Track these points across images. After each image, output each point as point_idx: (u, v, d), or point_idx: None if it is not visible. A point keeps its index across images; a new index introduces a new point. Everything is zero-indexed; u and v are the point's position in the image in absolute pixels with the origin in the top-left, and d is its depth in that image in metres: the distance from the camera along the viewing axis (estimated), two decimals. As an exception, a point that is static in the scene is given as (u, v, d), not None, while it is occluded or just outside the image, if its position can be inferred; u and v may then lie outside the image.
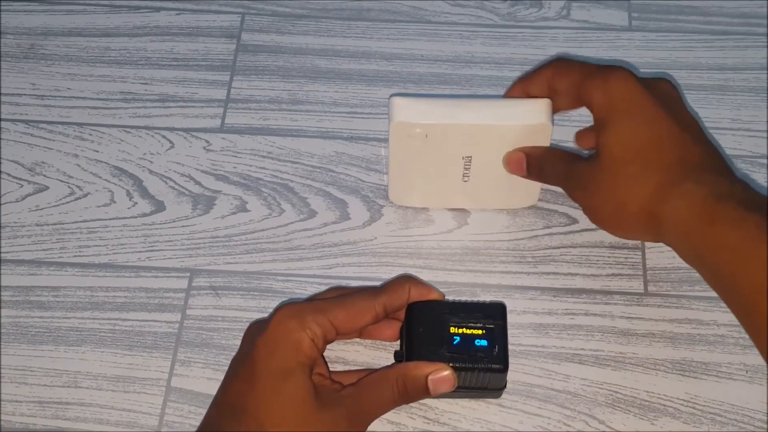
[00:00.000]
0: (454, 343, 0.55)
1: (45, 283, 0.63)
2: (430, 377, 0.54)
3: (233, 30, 0.76)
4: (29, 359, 0.60)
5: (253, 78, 0.73)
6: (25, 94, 0.73)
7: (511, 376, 0.57)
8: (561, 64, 0.61)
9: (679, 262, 0.56)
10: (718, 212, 0.52)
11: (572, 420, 0.58)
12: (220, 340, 0.61)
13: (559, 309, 0.62)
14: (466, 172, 0.63)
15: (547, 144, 0.61)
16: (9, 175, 0.68)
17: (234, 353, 0.55)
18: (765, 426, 0.58)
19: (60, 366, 0.60)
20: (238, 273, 0.64)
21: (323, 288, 0.61)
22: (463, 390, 0.56)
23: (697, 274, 0.55)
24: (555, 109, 0.61)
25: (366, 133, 0.71)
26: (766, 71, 0.73)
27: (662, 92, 0.58)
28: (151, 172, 0.69)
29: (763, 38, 0.75)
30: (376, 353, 0.60)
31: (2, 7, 0.77)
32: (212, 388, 0.55)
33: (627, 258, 0.64)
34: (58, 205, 0.67)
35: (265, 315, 0.61)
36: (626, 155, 0.56)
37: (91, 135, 0.70)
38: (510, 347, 0.56)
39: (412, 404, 0.58)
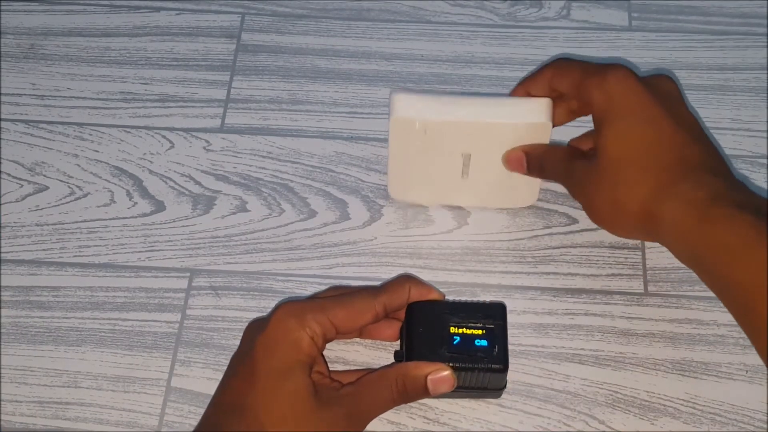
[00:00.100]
0: (454, 343, 0.55)
1: (45, 283, 0.63)
2: (429, 377, 0.53)
3: (233, 30, 0.76)
4: (29, 359, 0.60)
5: (253, 78, 0.73)
6: (25, 94, 0.73)
7: (511, 376, 0.57)
8: (561, 64, 0.61)
9: (679, 262, 0.56)
10: (715, 213, 0.52)
11: (572, 420, 0.58)
12: (220, 340, 0.61)
13: (559, 309, 0.62)
14: (465, 169, 0.63)
15: (546, 143, 0.61)
16: (9, 175, 0.68)
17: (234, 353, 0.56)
18: (765, 426, 0.58)
19: (60, 366, 0.60)
20: (238, 273, 0.64)
21: (323, 288, 0.61)
22: (463, 390, 0.56)
23: (697, 275, 0.55)
24: (559, 121, 0.61)
25: (366, 133, 0.71)
26: (766, 71, 0.73)
27: (662, 90, 0.58)
28: (151, 172, 0.69)
29: (763, 38, 0.75)
30: (376, 353, 0.60)
31: (2, 7, 0.77)
32: (212, 388, 0.55)
33: (627, 258, 0.64)
34: (58, 205, 0.67)
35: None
36: (625, 155, 0.56)
37: (91, 135, 0.70)
38: (510, 347, 0.56)
39: (412, 404, 0.58)
